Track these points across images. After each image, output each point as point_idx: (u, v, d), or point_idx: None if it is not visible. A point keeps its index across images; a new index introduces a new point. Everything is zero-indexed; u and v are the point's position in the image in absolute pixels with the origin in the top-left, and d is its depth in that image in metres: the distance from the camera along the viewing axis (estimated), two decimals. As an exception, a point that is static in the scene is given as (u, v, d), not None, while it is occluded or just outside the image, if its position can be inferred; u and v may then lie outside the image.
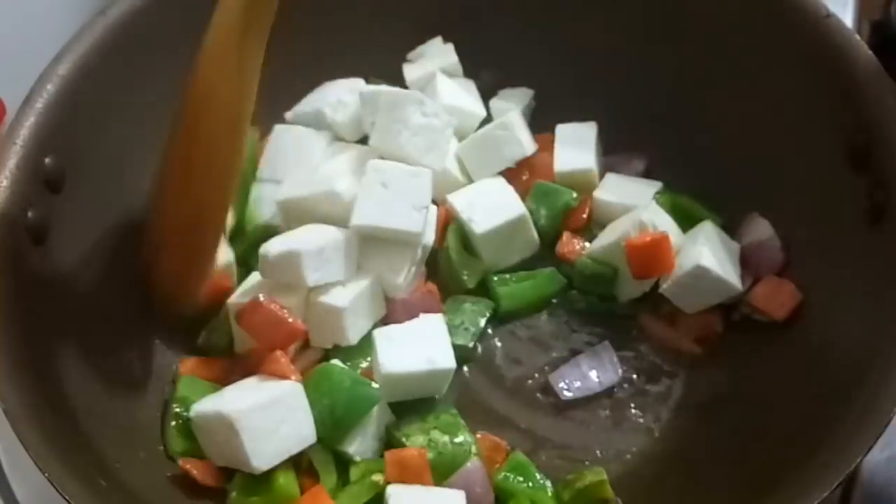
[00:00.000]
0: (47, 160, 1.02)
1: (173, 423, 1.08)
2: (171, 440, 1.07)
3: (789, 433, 0.97)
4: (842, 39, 1.03)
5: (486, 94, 1.31)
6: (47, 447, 0.89)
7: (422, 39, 1.30)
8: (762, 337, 1.11)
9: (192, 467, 1.04)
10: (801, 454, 0.89)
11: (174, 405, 1.09)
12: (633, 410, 1.13)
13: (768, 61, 1.10)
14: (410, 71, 1.29)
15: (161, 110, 1.14)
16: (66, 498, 0.87)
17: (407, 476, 1.02)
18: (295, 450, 1.03)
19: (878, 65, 1.01)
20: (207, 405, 1.04)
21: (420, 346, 1.08)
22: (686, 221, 1.18)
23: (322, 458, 1.05)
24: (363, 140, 1.22)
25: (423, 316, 1.12)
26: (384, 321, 1.15)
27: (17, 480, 1.12)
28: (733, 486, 0.98)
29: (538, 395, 1.15)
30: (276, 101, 1.26)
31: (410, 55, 1.31)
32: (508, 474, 1.06)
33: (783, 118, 1.11)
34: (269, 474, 1.02)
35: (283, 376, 1.05)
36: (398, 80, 1.28)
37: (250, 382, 1.07)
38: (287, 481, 1.03)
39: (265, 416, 1.01)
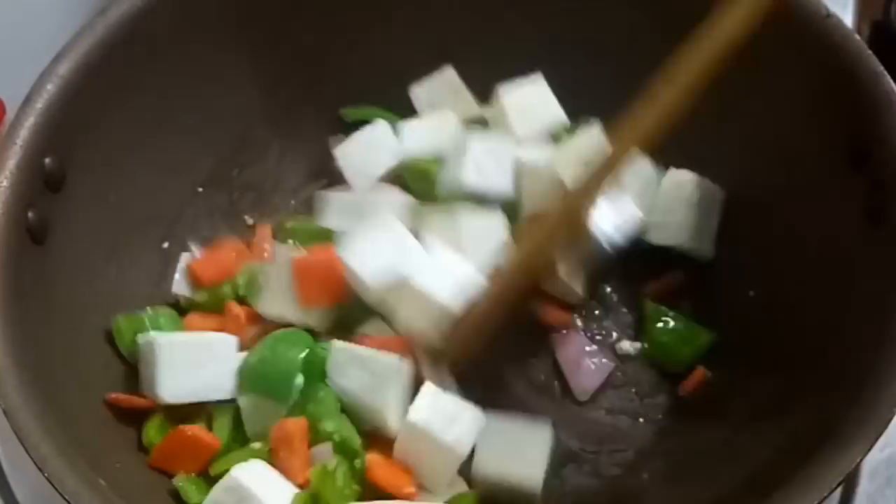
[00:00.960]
0: (47, 160, 1.02)
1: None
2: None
3: (789, 433, 0.96)
4: (842, 39, 1.03)
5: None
6: (47, 446, 0.88)
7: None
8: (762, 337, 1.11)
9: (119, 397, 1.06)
10: (801, 453, 0.88)
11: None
12: (630, 403, 1.15)
13: (768, 61, 1.09)
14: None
15: (161, 110, 1.16)
16: (66, 497, 0.86)
17: (284, 444, 1.03)
18: (205, 397, 1.06)
19: (879, 65, 1.01)
20: (150, 335, 1.07)
21: None
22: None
23: (223, 414, 1.07)
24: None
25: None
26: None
27: (17, 480, 1.12)
28: (733, 485, 0.98)
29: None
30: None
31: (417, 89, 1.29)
32: None
33: (783, 118, 1.10)
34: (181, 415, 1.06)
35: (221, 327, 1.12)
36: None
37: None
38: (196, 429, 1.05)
39: (188, 354, 1.05)
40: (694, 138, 1.19)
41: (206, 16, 1.16)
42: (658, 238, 1.19)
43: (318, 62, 1.26)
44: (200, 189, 1.24)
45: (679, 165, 1.20)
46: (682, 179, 1.19)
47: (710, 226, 1.19)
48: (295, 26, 1.23)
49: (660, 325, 1.17)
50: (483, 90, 1.27)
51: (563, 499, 1.09)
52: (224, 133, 1.25)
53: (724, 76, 1.09)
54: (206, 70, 1.18)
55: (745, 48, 0.96)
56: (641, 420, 1.14)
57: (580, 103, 1.23)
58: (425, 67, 1.27)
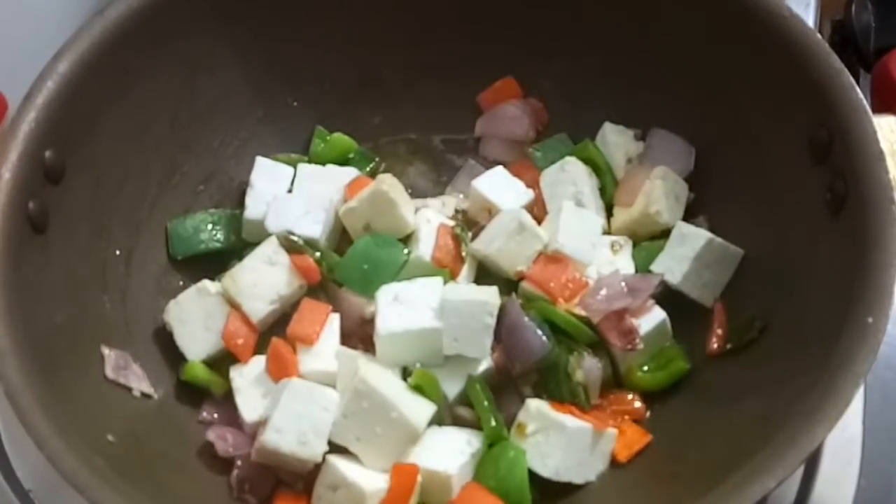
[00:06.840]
0: (47, 153, 1.02)
1: None
2: None
3: (756, 414, 0.96)
4: (804, 38, 1.02)
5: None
6: (46, 426, 0.89)
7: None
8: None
9: None
10: (767, 433, 0.88)
11: None
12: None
13: (734, 60, 1.09)
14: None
15: (156, 106, 1.15)
16: (64, 476, 0.86)
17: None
18: None
19: (839, 62, 1.00)
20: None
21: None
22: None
23: None
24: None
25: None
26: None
27: (19, 459, 1.10)
28: (698, 466, 0.97)
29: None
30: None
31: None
32: None
33: (749, 114, 1.10)
34: None
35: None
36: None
37: None
38: None
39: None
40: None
41: (201, 15, 1.15)
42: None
43: (305, 62, 1.25)
44: (202, 188, 1.24)
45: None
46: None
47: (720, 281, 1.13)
48: (285, 25, 1.22)
49: None
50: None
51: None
52: (219, 129, 1.24)
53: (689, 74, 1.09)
54: (200, 67, 1.18)
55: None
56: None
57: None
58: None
